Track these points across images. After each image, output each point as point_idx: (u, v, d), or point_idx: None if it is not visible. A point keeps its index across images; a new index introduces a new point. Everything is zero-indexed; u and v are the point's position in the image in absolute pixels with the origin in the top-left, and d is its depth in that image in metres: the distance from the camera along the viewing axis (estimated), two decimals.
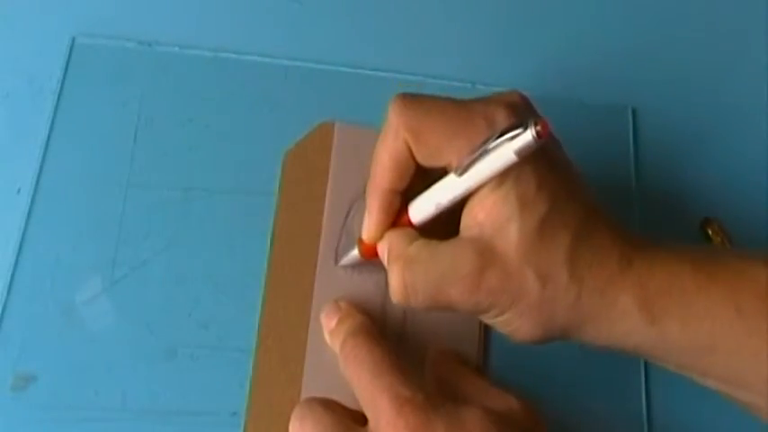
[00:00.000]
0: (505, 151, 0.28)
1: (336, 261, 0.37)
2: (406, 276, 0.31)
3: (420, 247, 0.31)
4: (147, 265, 0.37)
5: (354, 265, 0.37)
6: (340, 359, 0.32)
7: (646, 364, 0.38)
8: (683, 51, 0.47)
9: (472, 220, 0.30)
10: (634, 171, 0.43)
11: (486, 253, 0.30)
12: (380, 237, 0.33)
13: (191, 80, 0.41)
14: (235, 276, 0.38)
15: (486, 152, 0.28)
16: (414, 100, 0.32)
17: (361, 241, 0.34)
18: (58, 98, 0.40)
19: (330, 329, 0.35)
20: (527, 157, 0.28)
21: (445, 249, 0.31)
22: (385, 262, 0.33)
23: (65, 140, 0.39)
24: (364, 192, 0.34)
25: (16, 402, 0.34)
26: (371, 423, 0.29)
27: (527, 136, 0.27)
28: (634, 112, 0.45)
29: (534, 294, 0.30)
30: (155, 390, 0.35)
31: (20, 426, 0.34)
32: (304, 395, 0.34)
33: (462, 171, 0.30)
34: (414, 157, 0.31)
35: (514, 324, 0.31)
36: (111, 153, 0.39)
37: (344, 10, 0.45)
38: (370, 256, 0.34)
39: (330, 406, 0.31)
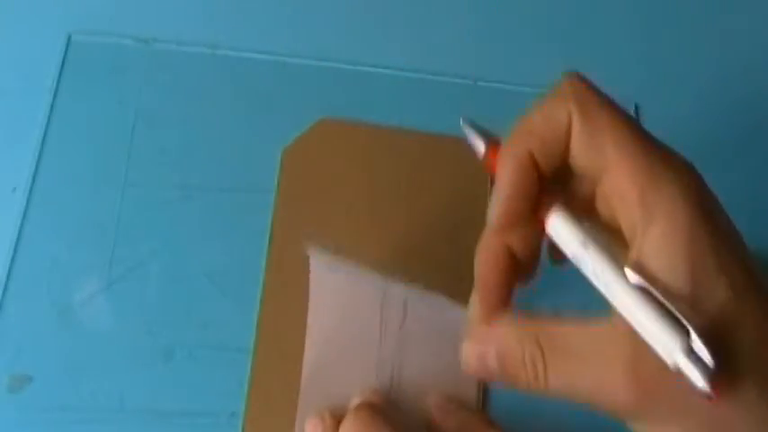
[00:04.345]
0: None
1: None
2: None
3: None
4: (144, 265, 0.37)
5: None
6: None
7: None
8: (687, 47, 0.47)
9: None
10: None
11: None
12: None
13: (188, 77, 0.41)
14: (233, 275, 0.37)
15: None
16: (593, 84, 0.26)
17: (486, 153, 0.28)
18: (54, 96, 0.40)
19: None
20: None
21: None
22: (493, 367, 0.27)
23: (61, 139, 0.39)
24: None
25: (12, 403, 0.34)
26: None
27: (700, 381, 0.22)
28: (637, 107, 0.44)
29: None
30: (153, 390, 0.35)
31: (16, 427, 0.34)
32: (302, 395, 0.34)
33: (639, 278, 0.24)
34: (567, 139, 0.25)
35: None
36: (108, 151, 0.39)
37: (344, 7, 0.45)
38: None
39: None
